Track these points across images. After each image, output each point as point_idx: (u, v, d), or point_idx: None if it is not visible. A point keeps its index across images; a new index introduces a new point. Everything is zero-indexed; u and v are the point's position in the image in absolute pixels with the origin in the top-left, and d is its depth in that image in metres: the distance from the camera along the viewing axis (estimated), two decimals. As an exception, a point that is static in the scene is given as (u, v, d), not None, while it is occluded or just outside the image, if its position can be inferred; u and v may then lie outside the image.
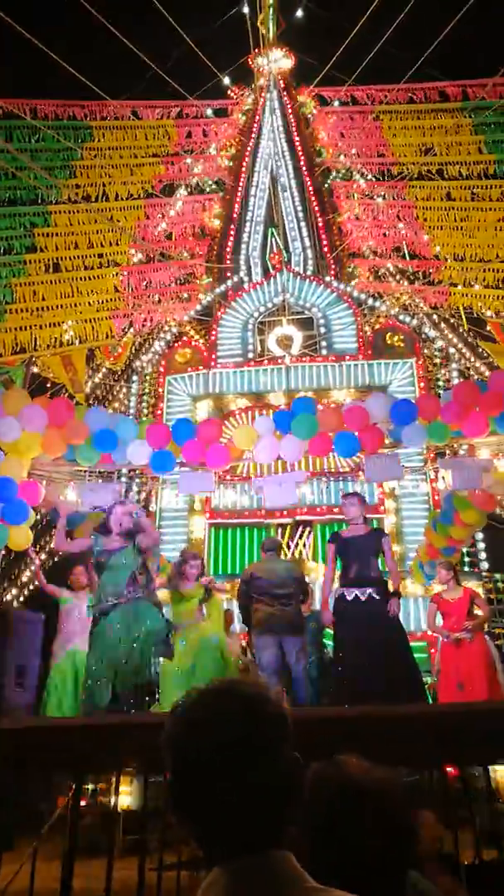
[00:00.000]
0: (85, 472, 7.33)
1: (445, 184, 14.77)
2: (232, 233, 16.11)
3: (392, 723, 4.03)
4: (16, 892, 5.00)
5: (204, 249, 16.11)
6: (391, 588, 5.70)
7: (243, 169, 16.94)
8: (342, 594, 5.48)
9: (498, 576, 11.47)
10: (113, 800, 5.90)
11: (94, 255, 14.54)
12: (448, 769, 5.72)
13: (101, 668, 5.12)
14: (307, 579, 10.14)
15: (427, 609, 6.94)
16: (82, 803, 6.18)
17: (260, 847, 0.90)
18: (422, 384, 12.50)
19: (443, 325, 15.05)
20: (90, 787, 7.62)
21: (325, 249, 15.67)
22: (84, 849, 5.39)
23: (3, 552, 7.45)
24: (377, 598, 5.40)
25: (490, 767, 5.03)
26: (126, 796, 6.83)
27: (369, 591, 5.40)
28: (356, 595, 5.39)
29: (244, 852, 0.89)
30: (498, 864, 3.95)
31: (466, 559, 11.55)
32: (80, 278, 14.27)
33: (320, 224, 15.93)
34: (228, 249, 16.06)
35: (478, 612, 6.93)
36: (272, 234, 15.86)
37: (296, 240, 15.83)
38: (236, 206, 16.56)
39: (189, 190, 16.64)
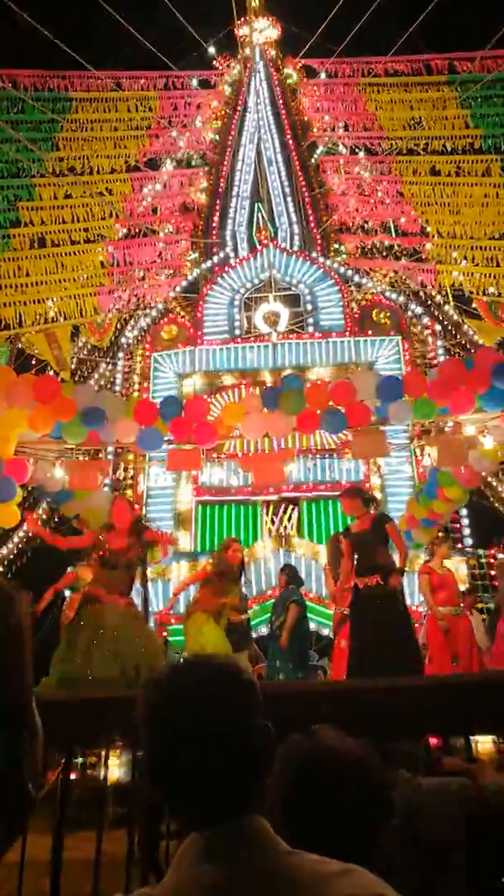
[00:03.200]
0: (72, 449, 7.31)
1: (431, 158, 14.65)
2: (217, 208, 15.94)
3: (378, 695, 4.10)
4: (6, 864, 5.10)
5: (190, 225, 15.93)
6: (398, 565, 6.05)
7: (229, 143, 16.72)
8: (355, 584, 5.91)
9: (481, 551, 11.61)
10: (102, 773, 5.99)
11: (80, 230, 14.33)
12: (431, 739, 5.88)
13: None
14: (293, 557, 10.29)
15: (419, 580, 7.06)
16: (72, 777, 6.25)
17: (234, 814, 0.92)
18: (408, 360, 12.53)
19: (429, 302, 15.04)
20: (79, 761, 7.70)
21: (312, 225, 15.56)
22: (73, 821, 5.48)
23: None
24: (382, 583, 5.72)
25: (471, 738, 5.15)
26: (116, 769, 6.92)
27: (376, 577, 5.74)
28: (366, 583, 5.78)
29: (219, 819, 0.92)
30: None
31: (451, 535, 11.67)
32: (66, 253, 14.07)
33: (307, 199, 15.80)
34: (214, 224, 15.90)
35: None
36: (258, 209, 15.71)
37: (282, 215, 15.69)
38: (222, 180, 16.36)
39: (174, 164, 16.41)
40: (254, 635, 7.74)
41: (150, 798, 0.98)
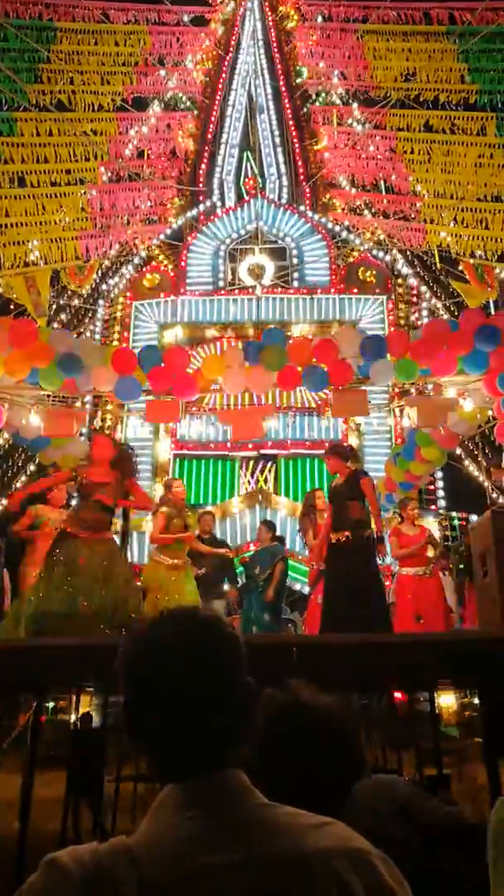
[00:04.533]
0: (48, 396, 7.19)
1: (426, 113, 14.30)
2: (206, 154, 15.50)
3: (344, 650, 4.18)
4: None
5: (176, 171, 15.49)
6: (374, 529, 6.09)
7: (219, 86, 16.17)
8: (328, 537, 5.98)
9: (454, 514, 11.78)
10: (73, 717, 6.08)
11: (62, 171, 13.85)
12: (395, 694, 6.03)
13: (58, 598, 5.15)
14: (269, 514, 10.35)
15: (388, 541, 7.15)
16: (42, 720, 6.33)
17: (212, 766, 0.92)
18: (392, 319, 12.45)
19: (416, 262, 14.88)
20: (50, 705, 7.81)
21: (302, 178, 15.21)
22: (43, 761, 5.58)
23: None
24: (352, 538, 5.76)
25: (434, 694, 5.30)
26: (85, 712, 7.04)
27: (346, 533, 5.77)
28: (338, 538, 5.82)
29: (198, 772, 0.91)
30: (435, 779, 4.24)
31: (425, 497, 11.80)
32: (47, 195, 13.62)
33: (297, 150, 15.42)
34: (202, 172, 15.48)
35: (431, 551, 7.27)
36: (247, 158, 15.31)
37: (271, 166, 15.32)
38: (211, 126, 15.88)
39: (162, 105, 15.85)
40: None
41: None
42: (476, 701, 7.17)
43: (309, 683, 1.41)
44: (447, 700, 7.47)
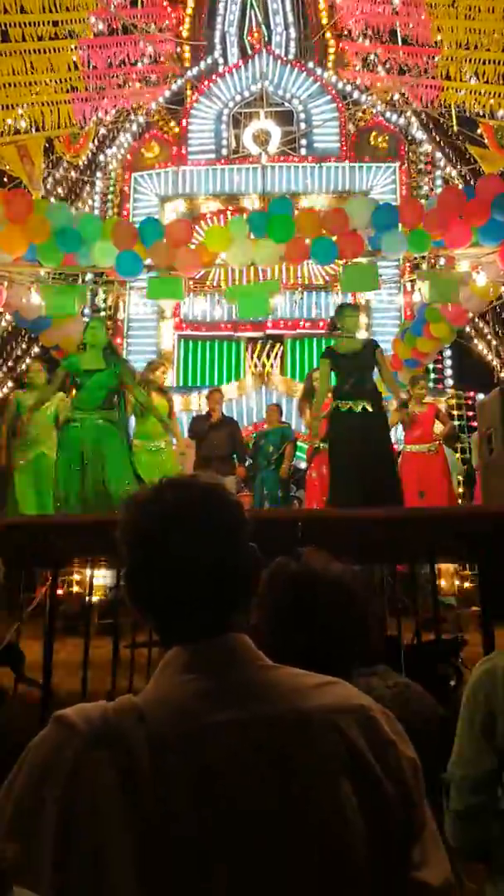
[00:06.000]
0: (49, 273, 6.98)
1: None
2: (207, 2, 14.14)
3: (350, 523, 4.27)
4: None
5: (175, 22, 14.17)
6: (395, 401, 5.87)
7: None
8: (336, 406, 5.53)
9: (462, 392, 11.72)
10: (86, 590, 6.36)
11: (49, 23, 12.67)
12: (398, 567, 6.23)
13: (71, 480, 5.22)
14: (276, 395, 10.32)
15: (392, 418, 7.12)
16: (59, 592, 6.62)
17: (216, 630, 0.93)
18: (405, 191, 11.82)
19: (431, 126, 13.91)
20: (67, 579, 8.15)
21: (310, 28, 13.93)
22: (62, 630, 5.90)
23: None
24: (370, 410, 5.45)
25: (435, 565, 5.48)
26: (100, 585, 7.34)
27: (363, 403, 5.41)
28: (350, 407, 5.42)
29: (203, 634, 0.92)
30: (432, 644, 4.49)
31: (432, 375, 11.70)
32: (34, 50, 12.55)
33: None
34: (202, 22, 14.20)
35: (438, 427, 7.25)
36: (251, 4, 13.95)
37: (277, 13, 14.00)
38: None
39: None
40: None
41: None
42: (474, 573, 7.45)
43: (320, 551, 1.43)
44: (447, 570, 7.78)
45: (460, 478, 8.62)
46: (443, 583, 7.60)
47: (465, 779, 1.53)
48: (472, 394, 11.40)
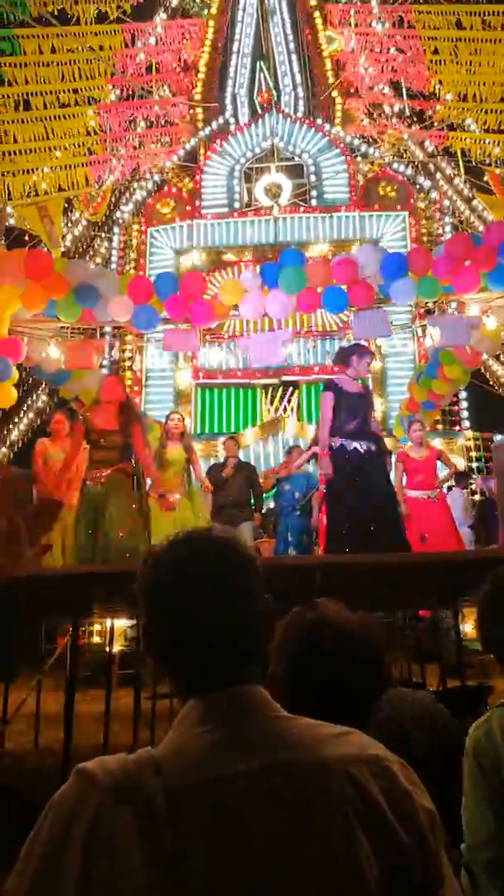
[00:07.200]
0: (67, 329, 7.16)
1: (455, 8, 13.29)
2: (218, 66, 14.73)
3: (369, 570, 4.25)
4: (24, 716, 5.52)
5: (187, 86, 14.78)
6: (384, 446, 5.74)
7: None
8: (342, 445, 5.35)
9: (479, 433, 11.69)
10: (107, 640, 6.33)
11: (68, 91, 13.30)
12: (420, 612, 6.14)
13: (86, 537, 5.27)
14: (293, 441, 10.35)
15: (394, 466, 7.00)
16: (80, 643, 6.60)
17: (232, 681, 0.95)
18: (414, 238, 12.04)
19: (438, 175, 14.24)
20: (87, 629, 8.12)
21: (318, 87, 14.45)
22: (82, 681, 5.87)
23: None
24: (374, 451, 5.37)
25: (459, 610, 5.40)
26: (121, 636, 7.30)
27: (368, 444, 5.33)
28: (355, 447, 5.31)
29: (217, 686, 0.94)
30: (459, 690, 4.37)
31: (449, 417, 11.72)
32: (54, 117, 13.15)
33: (313, 57, 14.57)
34: (213, 86, 14.78)
35: (441, 472, 7.17)
36: (261, 68, 14.53)
37: (286, 75, 14.56)
38: (222, 34, 15.03)
39: (169, 13, 14.99)
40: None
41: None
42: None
43: (336, 601, 1.44)
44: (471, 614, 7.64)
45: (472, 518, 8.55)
46: (467, 627, 7.46)
47: (496, 861, 1.37)
48: (488, 434, 11.38)
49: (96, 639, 8.21)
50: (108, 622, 5.93)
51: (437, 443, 8.58)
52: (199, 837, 0.82)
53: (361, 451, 5.31)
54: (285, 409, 11.57)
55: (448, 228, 12.77)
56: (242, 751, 0.88)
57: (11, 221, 12.10)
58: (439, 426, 11.05)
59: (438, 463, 7.06)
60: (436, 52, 13.26)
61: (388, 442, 8.06)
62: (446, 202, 13.46)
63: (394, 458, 6.93)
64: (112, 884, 0.79)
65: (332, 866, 0.83)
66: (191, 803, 0.83)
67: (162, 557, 1.00)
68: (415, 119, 13.78)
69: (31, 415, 13.71)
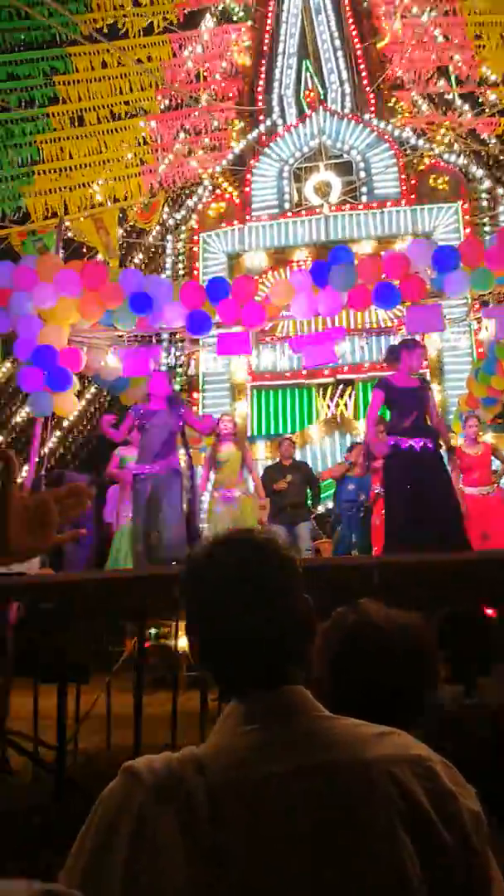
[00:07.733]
0: (124, 337, 7.34)
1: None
2: (263, 69, 14.76)
3: (427, 568, 4.19)
4: (97, 716, 5.67)
5: (234, 91, 14.88)
6: (443, 443, 5.58)
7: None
8: (396, 443, 5.26)
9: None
10: (173, 642, 6.45)
11: (120, 104, 13.58)
12: (487, 610, 5.99)
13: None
14: (349, 438, 10.28)
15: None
16: (146, 646, 6.73)
17: (274, 682, 0.96)
18: (468, 230, 11.78)
19: (492, 164, 13.88)
20: (153, 631, 8.27)
21: (365, 82, 14.29)
22: (150, 683, 5.98)
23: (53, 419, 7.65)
24: (431, 448, 5.25)
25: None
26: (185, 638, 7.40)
27: (423, 441, 5.21)
28: (411, 445, 5.20)
29: (259, 687, 0.96)
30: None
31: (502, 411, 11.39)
32: (107, 131, 13.45)
33: (359, 52, 14.41)
34: (260, 89, 14.82)
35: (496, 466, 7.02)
36: (306, 67, 14.47)
37: (332, 72, 14.44)
38: (267, 35, 15.04)
39: (215, 19, 15.11)
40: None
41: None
42: None
43: (378, 601, 1.45)
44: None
45: None
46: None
47: None
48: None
49: (165, 640, 8.35)
50: (174, 624, 6.03)
51: (489, 437, 8.39)
52: (240, 834, 0.84)
53: (417, 448, 5.19)
54: (344, 406, 11.49)
55: (503, 217, 12.44)
56: (284, 750, 0.90)
57: (69, 234, 12.45)
58: (500, 420, 10.79)
59: (493, 458, 6.93)
60: (478, 37, 12.91)
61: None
62: (501, 191, 13.11)
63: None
64: (155, 881, 0.82)
65: (375, 866, 0.83)
66: (231, 800, 0.85)
67: (202, 558, 1.02)
68: (466, 108, 13.47)
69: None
